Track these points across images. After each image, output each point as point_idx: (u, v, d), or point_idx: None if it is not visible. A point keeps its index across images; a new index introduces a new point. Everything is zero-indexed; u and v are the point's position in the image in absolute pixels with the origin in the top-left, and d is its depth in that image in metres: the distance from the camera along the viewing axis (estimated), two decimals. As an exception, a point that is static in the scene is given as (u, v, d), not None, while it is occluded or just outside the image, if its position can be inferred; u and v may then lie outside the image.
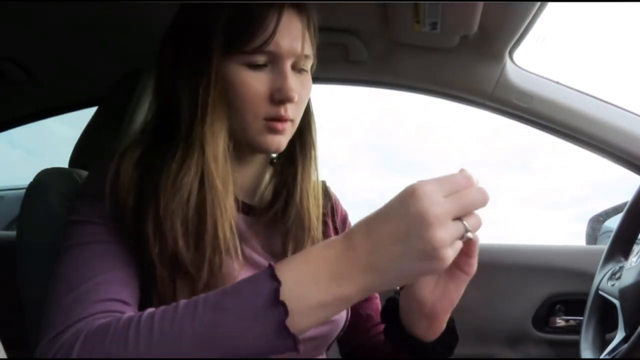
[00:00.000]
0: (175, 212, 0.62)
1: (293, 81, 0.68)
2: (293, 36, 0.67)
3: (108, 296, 0.58)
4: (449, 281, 0.60)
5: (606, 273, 1.04)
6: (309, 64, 0.72)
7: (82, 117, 1.53)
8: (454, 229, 0.48)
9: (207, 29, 0.66)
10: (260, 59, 0.66)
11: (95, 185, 0.66)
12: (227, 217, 0.65)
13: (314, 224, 0.76)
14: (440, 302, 0.61)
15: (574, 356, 1.13)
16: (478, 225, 0.50)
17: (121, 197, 0.63)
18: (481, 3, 1.04)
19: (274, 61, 0.67)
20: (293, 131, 0.72)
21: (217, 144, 0.66)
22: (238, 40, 0.66)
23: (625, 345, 0.83)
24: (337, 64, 1.37)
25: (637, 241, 1.04)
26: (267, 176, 0.80)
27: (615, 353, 0.87)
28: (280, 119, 0.68)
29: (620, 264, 1.00)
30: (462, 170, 0.51)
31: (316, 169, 0.78)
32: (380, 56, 1.33)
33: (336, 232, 0.86)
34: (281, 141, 0.70)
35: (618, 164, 1.36)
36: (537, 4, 1.06)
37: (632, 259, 0.95)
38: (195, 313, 0.50)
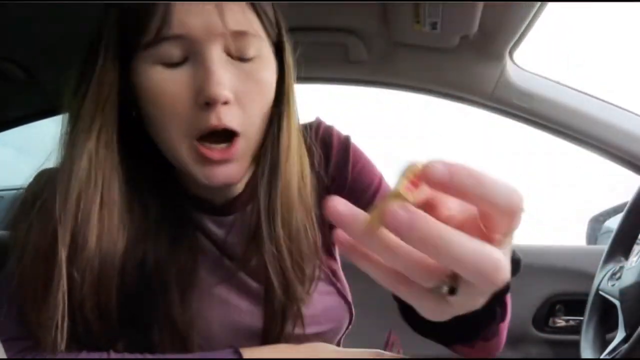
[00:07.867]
0: None
1: (223, 74, 0.49)
2: (208, 10, 0.48)
3: None
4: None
5: (606, 273, 1.04)
6: (254, 46, 0.52)
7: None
8: None
9: (105, 28, 0.53)
10: (174, 51, 0.49)
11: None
12: None
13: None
14: None
15: (574, 356, 1.13)
16: None
17: None
18: (481, 3, 1.04)
19: (193, 52, 0.50)
20: (247, 152, 0.53)
21: None
22: (133, 30, 0.50)
23: (626, 345, 0.83)
24: (337, 64, 1.37)
25: (637, 241, 1.04)
26: None
27: (615, 353, 0.87)
28: (215, 130, 0.50)
29: (621, 264, 1.00)
30: None
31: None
32: (380, 56, 1.33)
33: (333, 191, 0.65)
34: (225, 173, 0.52)
35: (618, 163, 1.35)
36: (537, 4, 1.06)
37: (633, 259, 0.95)
38: None
